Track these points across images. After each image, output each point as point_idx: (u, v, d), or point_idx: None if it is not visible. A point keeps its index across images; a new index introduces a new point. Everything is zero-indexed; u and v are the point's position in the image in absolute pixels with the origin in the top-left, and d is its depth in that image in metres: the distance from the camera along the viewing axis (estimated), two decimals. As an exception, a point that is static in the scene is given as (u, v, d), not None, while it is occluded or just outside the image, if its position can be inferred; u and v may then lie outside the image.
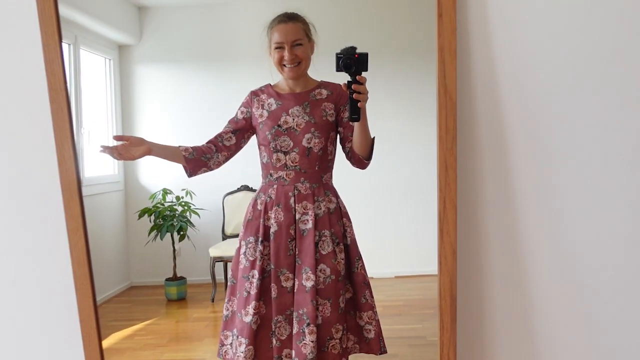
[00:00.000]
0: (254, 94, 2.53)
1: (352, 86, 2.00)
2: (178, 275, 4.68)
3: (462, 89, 2.03)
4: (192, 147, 2.43)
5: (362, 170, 2.36)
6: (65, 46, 3.99)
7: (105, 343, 3.52)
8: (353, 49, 1.97)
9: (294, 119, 2.40)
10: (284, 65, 2.40)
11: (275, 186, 2.41)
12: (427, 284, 4.57)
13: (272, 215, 2.38)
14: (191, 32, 4.94)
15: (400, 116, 4.87)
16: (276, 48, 2.41)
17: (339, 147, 2.56)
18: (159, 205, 4.52)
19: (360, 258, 2.65)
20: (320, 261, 2.34)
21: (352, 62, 1.95)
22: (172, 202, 4.58)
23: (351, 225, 2.49)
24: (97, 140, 4.55)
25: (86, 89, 4.36)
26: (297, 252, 2.37)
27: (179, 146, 2.40)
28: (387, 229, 4.97)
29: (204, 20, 4.76)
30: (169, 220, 4.42)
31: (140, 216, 4.46)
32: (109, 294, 4.56)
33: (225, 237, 4.25)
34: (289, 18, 2.36)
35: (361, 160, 2.33)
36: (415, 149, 4.86)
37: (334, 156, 2.49)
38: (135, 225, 4.95)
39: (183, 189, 4.52)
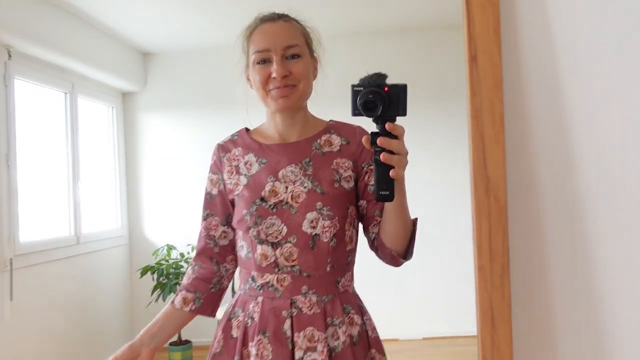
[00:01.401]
0: (222, 149, 1.41)
1: (379, 141, 1.03)
2: (183, 338, 4.29)
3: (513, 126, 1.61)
4: (189, 290, 1.39)
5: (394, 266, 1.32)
6: (60, 95, 3.75)
7: None
8: (381, 77, 1.04)
9: (287, 187, 1.29)
10: (270, 89, 1.29)
11: (260, 299, 1.31)
12: (460, 347, 4.09)
13: (254, 351, 1.28)
14: (196, 77, 4.70)
15: (429, 162, 4.51)
16: (259, 62, 1.29)
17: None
18: (162, 262, 4.17)
19: None
20: None
21: (380, 99, 1.01)
22: (176, 258, 4.23)
23: (384, 358, 1.36)
24: (99, 193, 4.26)
25: (88, 139, 4.09)
26: None
27: (172, 302, 1.38)
28: (415, 285, 4.52)
29: (209, 64, 4.51)
30: (173, 278, 4.06)
31: (142, 274, 4.11)
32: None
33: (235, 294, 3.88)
34: (280, 16, 1.34)
35: (394, 257, 1.27)
36: (443, 199, 4.47)
37: (356, 244, 1.37)
38: (140, 282, 4.61)
39: (188, 244, 4.17)
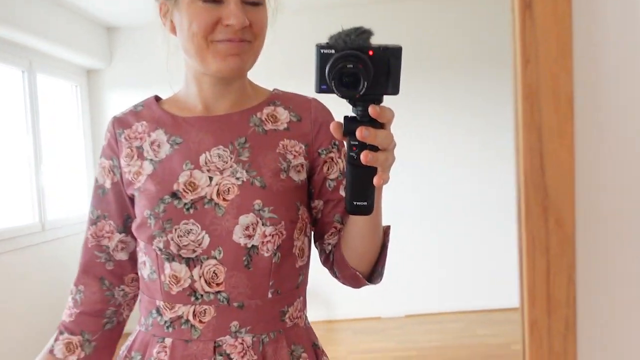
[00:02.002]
0: (119, 123, 1.01)
1: (360, 132, 0.69)
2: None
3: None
4: (73, 331, 1.00)
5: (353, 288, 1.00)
6: (17, 73, 3.53)
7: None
8: (363, 34, 0.67)
9: (211, 179, 0.92)
10: (217, 41, 0.89)
11: (168, 342, 0.93)
12: (443, 325, 4.02)
13: None
14: (165, 63, 4.43)
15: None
16: (205, 0, 0.88)
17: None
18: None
19: None
20: None
21: (363, 69, 0.66)
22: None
23: None
24: (64, 177, 4.06)
25: (50, 119, 3.87)
26: None
27: (51, 351, 0.99)
28: (395, 262, 4.40)
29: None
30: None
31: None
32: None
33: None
34: None
35: (358, 279, 0.95)
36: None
37: (309, 258, 1.02)
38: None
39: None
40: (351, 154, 0.71)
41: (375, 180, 0.71)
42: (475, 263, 4.31)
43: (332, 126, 0.70)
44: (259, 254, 0.90)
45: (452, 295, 4.33)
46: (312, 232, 1.02)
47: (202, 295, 0.90)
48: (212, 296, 0.90)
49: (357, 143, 0.70)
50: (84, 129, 4.30)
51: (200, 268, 0.90)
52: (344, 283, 0.98)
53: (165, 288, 0.92)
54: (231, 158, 0.92)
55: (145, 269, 0.96)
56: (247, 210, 0.89)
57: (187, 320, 0.91)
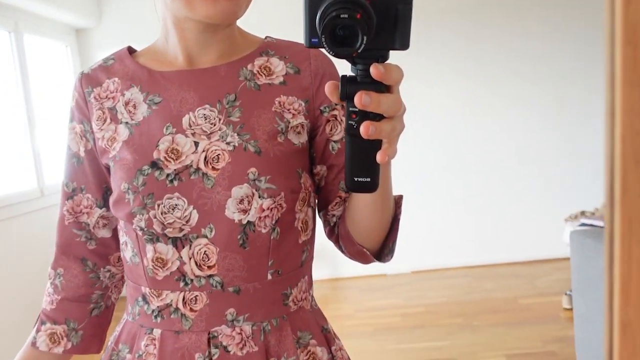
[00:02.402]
0: (88, 80, 0.86)
1: (358, 98, 0.55)
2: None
3: None
4: (57, 320, 0.89)
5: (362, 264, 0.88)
6: (4, 34, 3.38)
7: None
8: None
9: (197, 144, 0.78)
10: None
11: (157, 333, 0.81)
12: (449, 280, 4.00)
13: None
14: (155, 12, 4.27)
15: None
16: None
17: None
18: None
19: None
20: None
21: (362, 19, 0.51)
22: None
23: None
24: (59, 140, 3.96)
25: (41, 81, 3.74)
26: None
27: (33, 344, 0.87)
28: (402, 217, 4.36)
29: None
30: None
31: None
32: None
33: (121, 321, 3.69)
34: None
35: (365, 255, 0.83)
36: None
37: (314, 231, 0.89)
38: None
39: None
40: (350, 122, 0.56)
41: (378, 157, 0.57)
42: (479, 218, 4.26)
43: (327, 88, 0.55)
44: (256, 231, 0.77)
45: (457, 251, 4.30)
46: (316, 201, 0.89)
47: (192, 280, 0.78)
48: (203, 281, 0.78)
49: (357, 110, 0.56)
50: (77, 91, 4.17)
51: (190, 248, 0.77)
52: (350, 258, 0.87)
53: (149, 273, 0.79)
54: (219, 119, 0.78)
55: (127, 250, 0.83)
56: (240, 181, 0.76)
57: (177, 309, 0.79)
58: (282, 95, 0.81)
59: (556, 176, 4.20)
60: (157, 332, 0.81)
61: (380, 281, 4.17)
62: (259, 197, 0.76)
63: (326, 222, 0.88)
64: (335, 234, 0.87)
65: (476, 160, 4.23)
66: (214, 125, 0.78)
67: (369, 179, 0.60)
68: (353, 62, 0.56)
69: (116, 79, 0.84)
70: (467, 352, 2.84)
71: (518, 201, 4.23)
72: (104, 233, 0.89)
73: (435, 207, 4.27)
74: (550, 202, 4.18)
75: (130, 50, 0.88)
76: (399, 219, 0.81)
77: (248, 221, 0.77)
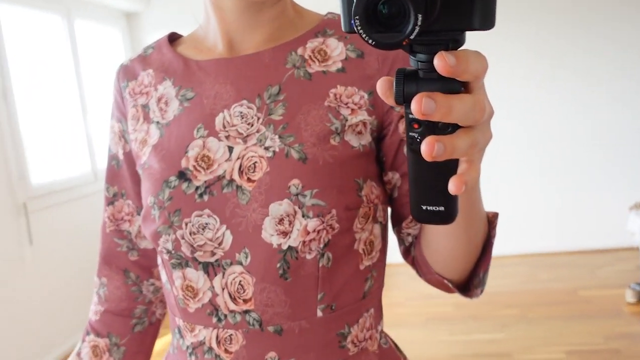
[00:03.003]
0: (125, 73, 0.75)
1: (415, 103, 0.36)
2: None
3: None
4: (99, 332, 0.81)
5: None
6: (56, 19, 3.42)
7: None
8: None
9: (232, 149, 0.65)
10: None
11: None
12: (505, 269, 3.86)
13: None
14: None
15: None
16: None
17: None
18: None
19: None
20: None
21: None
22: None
23: None
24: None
25: (92, 66, 3.78)
26: None
27: (78, 354, 0.81)
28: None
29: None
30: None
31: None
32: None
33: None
34: None
35: (445, 286, 0.69)
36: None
37: (383, 251, 0.71)
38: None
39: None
40: (411, 134, 0.40)
41: (451, 184, 0.39)
42: (536, 204, 4.08)
43: (379, 87, 0.39)
44: (298, 258, 0.62)
45: (512, 238, 4.14)
46: (389, 214, 0.72)
47: (225, 316, 0.65)
48: (238, 317, 0.65)
49: (415, 120, 0.40)
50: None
51: (223, 277, 0.64)
52: (430, 283, 0.71)
53: (180, 304, 0.68)
54: (258, 118, 0.64)
55: (162, 273, 0.72)
56: (279, 196, 0.61)
57: (211, 349, 0.67)
58: (338, 86, 0.65)
59: (620, 163, 3.97)
60: None
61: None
62: (303, 216, 0.61)
63: (400, 241, 0.73)
64: (411, 255, 0.71)
65: (533, 145, 4.04)
66: (252, 125, 0.64)
67: (442, 208, 0.44)
68: (411, 51, 0.39)
69: (150, 70, 0.73)
70: (523, 345, 2.73)
71: (578, 187, 4.03)
72: (147, 244, 0.80)
73: (489, 192, 4.11)
74: (613, 190, 3.96)
75: (174, 37, 0.77)
76: (492, 244, 0.64)
77: (289, 246, 0.62)
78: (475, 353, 2.70)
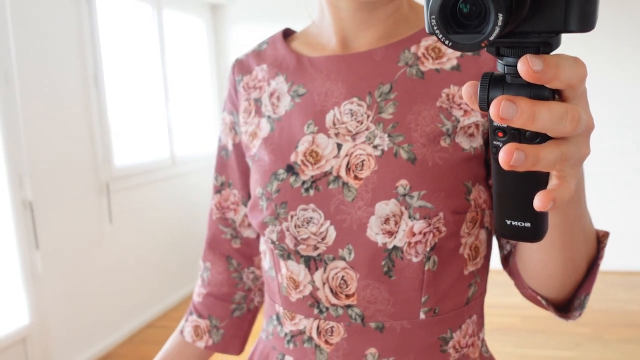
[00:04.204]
0: (240, 68, 0.78)
1: (494, 107, 0.34)
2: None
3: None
4: (201, 314, 0.85)
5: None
6: (146, 8, 3.55)
7: None
8: None
9: (340, 147, 0.65)
10: None
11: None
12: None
13: None
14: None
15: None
16: None
17: None
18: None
19: None
20: None
21: None
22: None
23: None
24: (190, 113, 4.14)
25: (178, 56, 3.92)
26: None
27: (181, 332, 0.85)
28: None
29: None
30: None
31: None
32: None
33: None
34: None
35: (538, 302, 0.65)
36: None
37: (487, 257, 0.69)
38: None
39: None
40: (495, 142, 0.38)
41: (537, 200, 0.36)
42: (616, 217, 3.87)
43: (464, 91, 0.38)
44: (403, 259, 0.62)
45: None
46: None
47: (327, 308, 0.66)
48: (340, 310, 0.65)
49: (500, 128, 0.37)
50: (210, 66, 4.33)
51: (325, 272, 0.65)
52: (528, 299, 0.69)
53: (283, 292, 0.70)
54: (368, 116, 0.64)
55: (265, 260, 0.75)
56: (386, 195, 0.61)
57: (310, 338, 0.68)
58: (452, 86, 0.63)
59: None
60: (289, 359, 0.71)
61: (499, 277, 3.93)
62: (409, 217, 0.60)
63: (500, 248, 0.70)
64: (509, 265, 0.69)
65: (616, 155, 3.83)
66: (361, 123, 0.64)
67: (528, 225, 0.41)
68: (498, 54, 0.37)
69: (265, 65, 0.74)
70: (596, 368, 2.61)
71: (666, 204, 3.79)
72: (249, 233, 0.82)
73: (567, 203, 3.94)
74: None
75: (288, 33, 0.78)
76: (598, 265, 0.61)
77: (394, 246, 0.62)
78: (543, 370, 2.60)
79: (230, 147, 0.80)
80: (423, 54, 0.65)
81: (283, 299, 0.70)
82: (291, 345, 0.70)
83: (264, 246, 0.75)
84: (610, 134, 3.82)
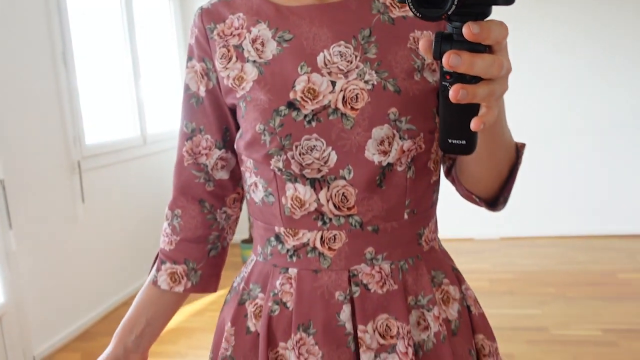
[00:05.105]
0: (209, 16, 0.82)
1: (447, 59, 0.49)
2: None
3: None
4: (176, 260, 0.89)
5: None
6: (112, -14, 3.50)
7: (173, 321, 3.18)
8: None
9: (334, 83, 0.75)
10: None
11: (293, 273, 0.80)
12: (541, 249, 3.87)
13: (292, 357, 0.79)
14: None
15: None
16: None
17: None
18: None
19: None
20: None
21: None
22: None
23: (495, 345, 0.87)
24: (160, 92, 4.12)
25: (145, 32, 3.88)
26: None
27: (154, 282, 0.89)
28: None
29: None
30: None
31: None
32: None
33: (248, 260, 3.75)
34: None
35: (477, 203, 0.84)
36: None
37: (441, 172, 0.87)
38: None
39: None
40: (444, 83, 0.52)
41: (472, 123, 0.51)
42: (575, 186, 4.05)
43: (421, 44, 0.52)
44: (393, 171, 0.76)
45: (549, 220, 4.13)
46: None
47: (330, 219, 0.77)
48: (342, 220, 0.77)
49: (448, 72, 0.52)
50: (177, 44, 4.30)
51: (328, 190, 0.76)
52: (466, 199, 0.86)
53: (286, 212, 0.79)
54: (356, 56, 0.74)
55: (257, 191, 0.82)
56: (381, 122, 0.73)
57: (314, 248, 0.78)
58: (416, 30, 0.76)
59: (668, 146, 3.90)
60: (292, 271, 0.79)
61: (467, 245, 4.10)
62: (400, 138, 0.74)
63: (443, 162, 0.86)
64: (451, 175, 0.85)
65: (576, 125, 4.00)
66: (351, 62, 0.74)
67: (463, 142, 0.56)
68: (449, 20, 0.50)
69: (241, 14, 0.80)
70: (560, 322, 2.76)
71: (617, 170, 3.98)
72: (222, 175, 0.88)
73: (528, 172, 4.10)
74: (659, 174, 3.91)
75: None
76: (517, 170, 0.78)
77: (388, 163, 0.75)
78: (511, 327, 2.74)
79: (202, 93, 0.84)
80: (390, 4, 0.77)
81: (285, 219, 0.79)
82: (294, 259, 0.80)
83: (255, 178, 0.81)
84: (567, 94, 3.98)
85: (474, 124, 0.51)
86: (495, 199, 0.81)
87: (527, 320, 2.81)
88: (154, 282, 0.88)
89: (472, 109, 0.54)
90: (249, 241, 4.17)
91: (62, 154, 3.01)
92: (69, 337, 3.01)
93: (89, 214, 3.22)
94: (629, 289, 3.09)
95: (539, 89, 4.00)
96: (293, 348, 0.78)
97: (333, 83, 0.74)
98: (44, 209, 2.86)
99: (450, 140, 0.56)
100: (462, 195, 0.85)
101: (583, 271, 3.42)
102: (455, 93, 0.49)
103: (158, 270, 0.89)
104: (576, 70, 3.94)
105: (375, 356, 0.77)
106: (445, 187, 0.99)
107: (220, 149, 0.86)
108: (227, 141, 0.86)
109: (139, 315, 0.88)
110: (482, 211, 4.20)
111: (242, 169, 0.85)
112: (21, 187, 2.70)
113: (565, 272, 3.42)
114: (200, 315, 3.25)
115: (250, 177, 0.83)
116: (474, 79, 0.51)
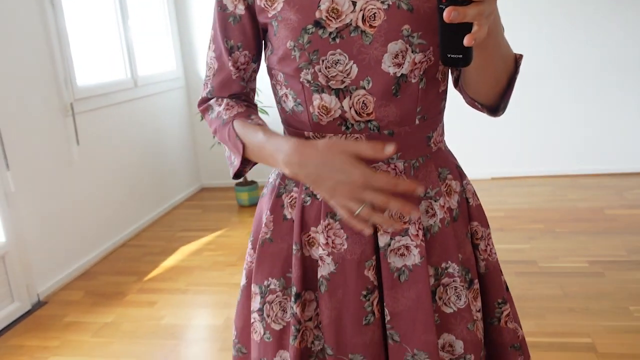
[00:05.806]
0: None
1: None
2: (249, 179, 4.33)
3: None
4: (257, 119, 0.96)
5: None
6: None
7: (172, 260, 3.25)
8: None
9: (355, 4, 0.84)
10: None
11: None
12: (531, 188, 3.94)
13: (322, 238, 0.93)
14: None
15: None
16: None
17: None
18: (222, 104, 4.05)
19: (505, 301, 1.01)
20: (443, 329, 0.95)
21: None
22: (236, 100, 4.09)
23: (488, 231, 1.01)
24: (150, 34, 4.05)
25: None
26: (388, 318, 0.93)
27: (235, 118, 0.95)
28: (484, 124, 4.28)
29: None
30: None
31: (202, 117, 4.04)
32: (180, 198, 4.34)
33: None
34: None
35: (477, 106, 0.96)
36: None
37: (449, 82, 1.06)
38: (201, 124, 4.58)
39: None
40: (440, 6, 0.64)
41: (465, 39, 0.63)
42: (565, 126, 4.09)
43: None
44: (407, 82, 0.86)
45: (539, 159, 4.19)
46: None
47: (352, 125, 0.89)
48: (362, 125, 0.89)
49: (445, 4, 0.63)
50: (165, -17, 4.19)
51: (350, 99, 0.87)
52: (470, 106, 0.98)
53: (314, 119, 0.91)
54: None
55: (287, 101, 0.93)
56: (395, 37, 0.83)
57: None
58: None
59: (659, 85, 3.92)
60: None
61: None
62: (412, 52, 0.84)
63: (451, 72, 0.97)
64: (459, 85, 0.96)
65: (566, 66, 4.00)
66: None
67: (460, 56, 0.66)
68: None
69: None
70: (548, 255, 2.85)
71: (606, 110, 4.02)
72: (253, 85, 1.01)
73: (519, 112, 4.13)
74: (649, 113, 3.94)
75: None
76: (515, 79, 0.88)
77: (402, 74, 0.85)
78: (500, 260, 2.83)
79: (240, 11, 0.92)
80: None
81: (314, 125, 0.91)
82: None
83: (285, 90, 0.92)
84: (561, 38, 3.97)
85: (466, 40, 0.63)
86: (496, 106, 0.92)
87: (516, 254, 2.90)
88: (234, 118, 0.92)
89: (465, 28, 0.64)
90: (242, 184, 4.20)
91: (55, 96, 2.99)
92: (71, 276, 3.08)
93: (85, 157, 3.23)
94: (615, 224, 3.18)
95: (530, 29, 3.98)
96: (322, 232, 0.93)
97: (354, 3, 0.83)
98: (40, 152, 2.86)
99: (449, 55, 0.67)
100: (467, 102, 0.95)
101: (572, 208, 3.50)
102: (448, 14, 0.61)
103: (248, 119, 0.93)
104: (570, 15, 3.90)
105: (391, 238, 0.91)
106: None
107: (255, 63, 0.97)
108: (259, 57, 0.98)
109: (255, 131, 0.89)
110: (475, 153, 4.24)
111: (273, 82, 0.96)
112: (16, 129, 2.70)
113: (554, 209, 3.50)
114: (198, 255, 3.33)
115: (280, 89, 0.94)
116: (465, 1, 0.62)
